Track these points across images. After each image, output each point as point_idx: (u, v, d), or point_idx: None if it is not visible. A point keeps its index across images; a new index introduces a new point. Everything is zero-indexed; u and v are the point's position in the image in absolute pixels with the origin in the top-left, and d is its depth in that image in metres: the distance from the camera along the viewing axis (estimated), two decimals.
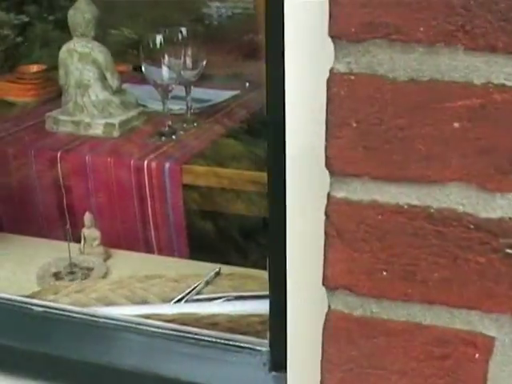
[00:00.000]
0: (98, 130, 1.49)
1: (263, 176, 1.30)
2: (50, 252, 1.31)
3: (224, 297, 1.11)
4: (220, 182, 1.33)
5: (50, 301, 1.10)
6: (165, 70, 1.45)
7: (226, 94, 1.76)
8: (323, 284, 0.52)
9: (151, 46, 1.43)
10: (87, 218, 1.26)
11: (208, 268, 1.21)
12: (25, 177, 1.44)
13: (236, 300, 1.10)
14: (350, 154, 0.48)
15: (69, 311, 0.94)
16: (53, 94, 1.74)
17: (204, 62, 1.53)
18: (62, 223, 1.43)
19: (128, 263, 1.26)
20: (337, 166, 0.49)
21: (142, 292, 1.12)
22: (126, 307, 1.10)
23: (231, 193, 1.32)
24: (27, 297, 1.09)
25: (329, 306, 0.53)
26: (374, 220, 0.49)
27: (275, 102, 0.60)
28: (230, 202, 1.33)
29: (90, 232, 1.27)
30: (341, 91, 0.47)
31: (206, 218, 1.37)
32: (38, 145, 1.47)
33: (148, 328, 0.89)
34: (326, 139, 0.49)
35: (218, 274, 1.14)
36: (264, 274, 1.16)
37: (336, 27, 0.46)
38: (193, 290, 1.11)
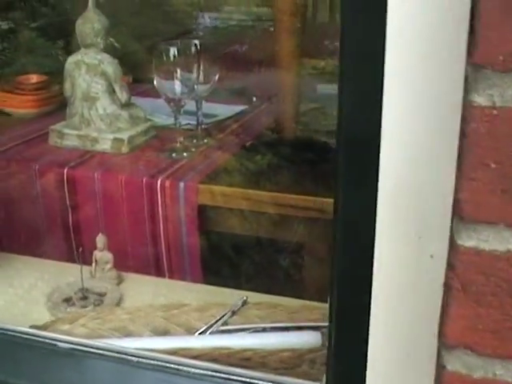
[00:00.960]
0: (105, 145, 1.42)
1: (286, 197, 1.25)
2: (57, 275, 1.24)
3: (252, 328, 1.04)
4: (239, 203, 1.26)
5: (65, 331, 1.03)
6: (177, 84, 1.38)
7: (234, 109, 1.70)
8: (439, 341, 0.46)
9: (164, 58, 1.36)
10: (100, 239, 1.19)
11: (229, 295, 1.14)
12: (28, 194, 1.36)
13: (265, 331, 1.04)
14: (485, 199, 0.42)
15: (94, 347, 0.87)
16: (53, 106, 1.66)
17: (216, 77, 1.46)
18: (67, 244, 1.36)
19: (142, 288, 1.19)
20: (468, 211, 0.43)
21: (163, 322, 1.05)
22: (147, 339, 1.02)
23: (251, 214, 1.25)
24: (42, 328, 1.02)
25: (443, 366, 0.47)
26: (507, 273, 0.43)
27: (367, 132, 0.53)
28: (248, 224, 1.26)
29: (102, 255, 1.19)
30: (480, 127, 0.41)
31: (222, 240, 1.30)
32: (42, 160, 1.39)
33: (173, 366, 0.83)
34: (457, 180, 0.43)
35: (245, 302, 1.07)
36: (291, 303, 1.11)
37: (480, 54, 0.40)
38: (219, 320, 1.04)
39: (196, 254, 1.29)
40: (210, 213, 1.29)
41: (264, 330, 1.04)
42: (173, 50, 1.36)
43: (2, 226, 1.37)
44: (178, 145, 1.41)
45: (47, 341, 0.93)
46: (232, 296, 1.14)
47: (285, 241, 1.25)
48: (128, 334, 1.04)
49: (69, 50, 1.84)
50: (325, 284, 1.18)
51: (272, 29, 2.61)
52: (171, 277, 1.33)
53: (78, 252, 1.14)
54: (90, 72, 1.41)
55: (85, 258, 1.32)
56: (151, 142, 1.49)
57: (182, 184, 1.28)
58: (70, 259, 1.34)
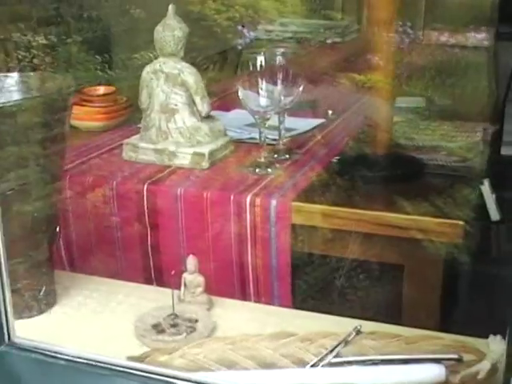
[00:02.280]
0: (184, 160, 1.33)
1: (387, 216, 1.16)
2: (139, 299, 1.15)
3: (367, 360, 0.94)
4: (336, 223, 1.17)
5: (164, 363, 0.94)
6: (263, 96, 1.29)
7: (312, 123, 1.61)
8: None
9: (250, 68, 1.28)
10: (190, 261, 1.10)
11: (332, 322, 1.05)
12: (103, 212, 1.28)
13: (381, 364, 0.94)
14: None
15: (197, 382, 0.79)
16: (121, 118, 1.58)
17: (301, 88, 1.38)
18: (147, 265, 1.27)
19: (235, 314, 1.10)
20: None
21: (269, 353, 0.95)
22: (255, 372, 0.93)
23: (349, 235, 1.16)
24: (140, 360, 0.93)
25: None
26: None
27: None
28: (346, 245, 1.17)
29: (193, 278, 1.11)
30: None
31: (318, 263, 1.21)
32: (118, 176, 1.31)
33: None
34: None
35: (358, 331, 0.97)
36: (407, 332, 1.01)
37: None
38: (331, 351, 0.95)
39: (287, 277, 1.20)
40: (303, 233, 1.19)
41: (380, 362, 0.94)
42: (260, 60, 1.28)
43: (76, 244, 1.28)
44: (262, 160, 1.32)
45: (146, 374, 0.85)
46: (335, 323, 1.05)
47: (389, 264, 1.16)
48: (231, 366, 0.94)
49: (110, 64, 1.78)
50: (445, 311, 1.08)
51: (330, 40, 2.54)
52: (258, 301, 1.23)
53: (171, 274, 1.05)
54: (168, 82, 1.33)
55: (162, 280, 1.24)
56: (230, 156, 1.40)
57: (274, 202, 1.19)
58: (148, 281, 1.25)
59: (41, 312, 1.10)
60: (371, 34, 2.28)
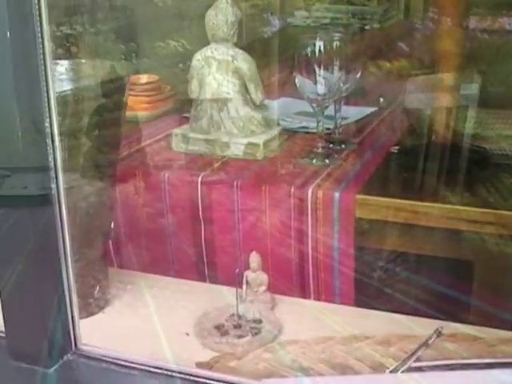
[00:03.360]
0: (237, 150, 1.27)
1: (456, 209, 1.09)
2: (196, 297, 1.09)
3: (450, 365, 0.88)
4: (403, 217, 1.10)
5: (234, 369, 0.89)
6: (320, 83, 1.23)
7: (364, 111, 1.54)
8: None
9: (308, 55, 1.22)
10: (253, 258, 1.05)
11: (404, 322, 0.99)
12: (156, 206, 1.22)
13: (464, 369, 0.88)
14: None
15: None
16: (165, 107, 1.53)
17: (358, 75, 1.31)
18: (201, 262, 1.22)
19: (301, 314, 1.04)
20: None
21: (344, 356, 0.90)
22: (332, 379, 0.87)
23: (417, 230, 1.10)
24: (208, 366, 0.88)
25: None
26: None
27: None
28: (416, 240, 1.11)
29: (256, 276, 1.05)
30: None
31: (384, 258, 1.15)
32: (170, 167, 1.25)
33: None
34: None
35: (439, 333, 0.91)
36: (490, 333, 0.95)
37: None
38: (412, 355, 0.89)
39: (351, 273, 1.14)
40: (368, 227, 1.13)
41: (463, 366, 0.88)
42: (318, 45, 1.21)
43: (127, 240, 1.23)
44: (320, 150, 1.26)
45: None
46: (406, 324, 0.99)
47: (460, 260, 1.09)
48: (304, 371, 0.89)
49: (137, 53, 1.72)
50: None
51: (368, 27, 2.46)
52: (318, 298, 1.18)
53: (236, 273, 0.99)
54: (221, 70, 1.27)
55: (216, 277, 1.18)
56: (284, 146, 1.34)
57: (337, 194, 1.13)
58: (201, 278, 1.20)
59: (96, 312, 1.05)
60: (414, 21, 2.20)
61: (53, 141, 0.72)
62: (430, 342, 0.90)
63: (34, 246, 0.73)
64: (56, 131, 0.72)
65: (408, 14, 2.47)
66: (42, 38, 0.67)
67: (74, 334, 0.75)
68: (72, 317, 0.74)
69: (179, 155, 1.30)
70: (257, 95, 1.28)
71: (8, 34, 0.64)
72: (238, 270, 1.00)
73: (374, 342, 0.92)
